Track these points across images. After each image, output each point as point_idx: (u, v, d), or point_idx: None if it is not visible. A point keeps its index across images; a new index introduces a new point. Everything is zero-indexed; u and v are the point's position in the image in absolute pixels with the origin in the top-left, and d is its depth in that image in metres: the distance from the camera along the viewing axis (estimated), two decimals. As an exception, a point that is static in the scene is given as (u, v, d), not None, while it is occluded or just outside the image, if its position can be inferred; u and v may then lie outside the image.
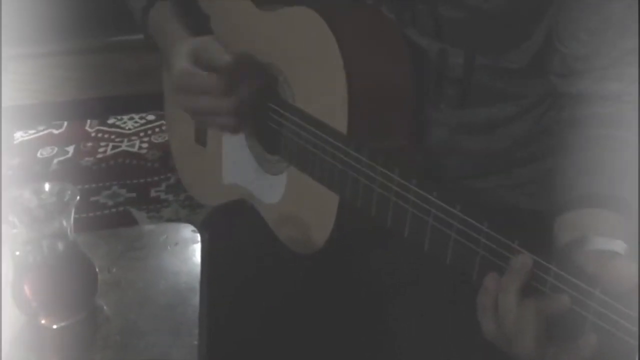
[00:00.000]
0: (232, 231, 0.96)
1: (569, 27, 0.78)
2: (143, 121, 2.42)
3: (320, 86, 0.81)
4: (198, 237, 0.83)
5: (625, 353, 0.52)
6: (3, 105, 2.19)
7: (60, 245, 0.69)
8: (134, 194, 2.06)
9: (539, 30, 0.80)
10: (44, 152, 2.28)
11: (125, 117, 2.44)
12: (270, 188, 0.90)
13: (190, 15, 0.97)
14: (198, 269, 0.78)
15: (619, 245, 0.64)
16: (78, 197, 0.69)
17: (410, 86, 0.80)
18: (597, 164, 0.72)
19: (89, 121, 2.43)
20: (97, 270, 0.73)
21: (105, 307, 0.73)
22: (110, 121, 2.43)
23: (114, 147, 2.29)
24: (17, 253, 0.69)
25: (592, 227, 0.67)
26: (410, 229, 0.70)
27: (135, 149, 2.28)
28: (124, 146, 2.30)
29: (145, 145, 2.29)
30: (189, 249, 0.81)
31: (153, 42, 0.99)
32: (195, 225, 0.85)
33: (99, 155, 2.25)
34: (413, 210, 0.69)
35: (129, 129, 2.39)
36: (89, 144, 2.31)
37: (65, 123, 2.42)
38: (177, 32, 0.93)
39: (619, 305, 0.53)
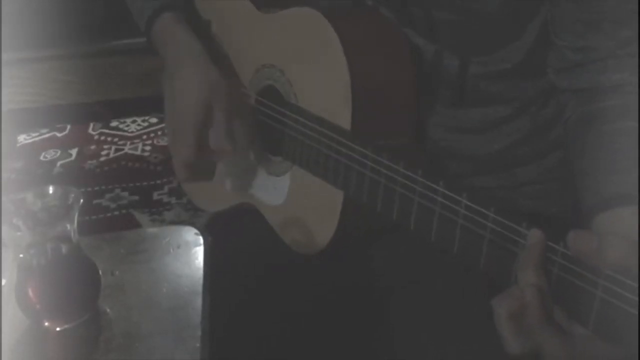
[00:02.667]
0: (235, 234, 0.96)
1: (564, 19, 0.78)
2: (146, 124, 2.43)
3: (324, 85, 0.81)
4: (201, 239, 0.83)
5: (635, 328, 0.52)
6: (7, 108, 2.20)
7: (63, 248, 0.70)
8: (136, 197, 2.06)
9: (531, 27, 0.80)
10: (47, 155, 2.28)
11: (128, 120, 2.45)
12: (274, 190, 0.91)
13: (196, 25, 0.96)
14: (201, 271, 0.78)
15: None
16: (82, 200, 0.70)
17: (413, 84, 0.81)
18: (623, 161, 0.71)
19: (92, 124, 2.44)
20: (100, 273, 0.73)
21: (108, 310, 0.73)
22: (113, 124, 2.43)
23: (116, 150, 2.29)
24: (21, 256, 0.69)
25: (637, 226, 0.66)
26: (417, 220, 0.70)
27: (138, 152, 2.28)
28: (127, 149, 2.30)
29: (148, 148, 2.30)
30: (192, 252, 0.81)
31: (157, 51, 0.99)
32: (197, 228, 0.85)
33: (102, 158, 2.25)
34: (420, 200, 0.69)
35: (132, 132, 2.39)
36: (92, 147, 2.32)
37: (69, 126, 2.43)
38: (191, 44, 0.92)
39: (628, 280, 0.52)
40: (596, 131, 0.75)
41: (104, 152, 2.28)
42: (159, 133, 2.36)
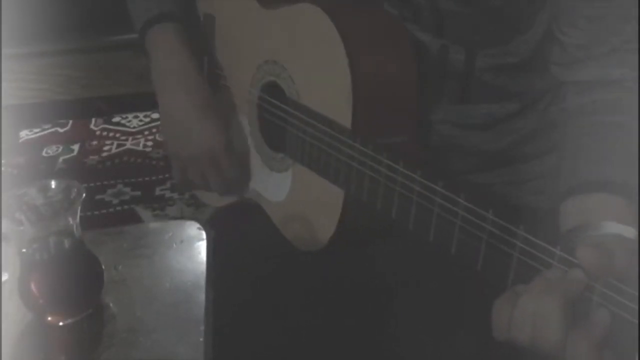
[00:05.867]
0: (238, 229, 0.96)
1: (568, 15, 0.78)
2: (148, 119, 2.43)
3: (325, 83, 0.81)
4: (203, 234, 0.83)
5: (631, 334, 0.52)
6: (8, 104, 2.20)
7: (66, 243, 0.70)
8: (139, 192, 2.06)
9: (539, 21, 0.80)
10: (49, 151, 2.28)
11: (130, 116, 2.45)
12: (276, 186, 0.91)
13: (193, 40, 0.97)
14: (203, 266, 0.78)
15: (628, 231, 0.63)
16: (84, 195, 0.70)
17: (415, 82, 0.80)
18: (604, 151, 0.72)
19: (93, 120, 2.44)
20: (103, 267, 0.73)
21: (111, 305, 0.73)
22: (115, 119, 2.43)
23: (118, 146, 2.30)
24: (24, 250, 0.69)
25: (601, 212, 0.66)
26: (415, 220, 0.70)
27: (140, 147, 2.28)
28: (129, 144, 2.30)
29: (150, 143, 2.30)
30: (195, 247, 0.81)
31: (147, 55, 0.99)
32: (200, 223, 0.85)
33: (104, 154, 2.26)
34: (418, 200, 0.69)
35: (134, 128, 2.39)
36: (94, 143, 2.32)
37: (70, 122, 2.43)
38: (184, 66, 0.95)
39: (623, 286, 0.53)
40: (587, 121, 0.76)
41: (106, 148, 2.29)
42: (161, 129, 2.36)
